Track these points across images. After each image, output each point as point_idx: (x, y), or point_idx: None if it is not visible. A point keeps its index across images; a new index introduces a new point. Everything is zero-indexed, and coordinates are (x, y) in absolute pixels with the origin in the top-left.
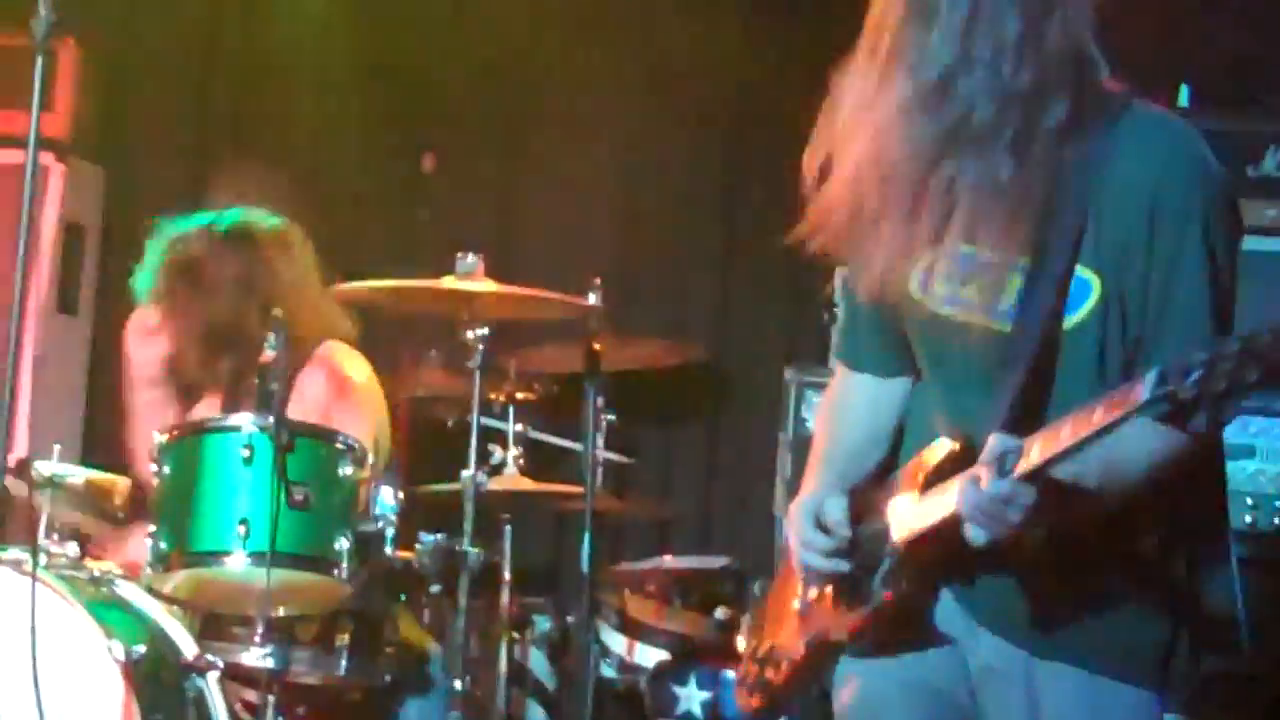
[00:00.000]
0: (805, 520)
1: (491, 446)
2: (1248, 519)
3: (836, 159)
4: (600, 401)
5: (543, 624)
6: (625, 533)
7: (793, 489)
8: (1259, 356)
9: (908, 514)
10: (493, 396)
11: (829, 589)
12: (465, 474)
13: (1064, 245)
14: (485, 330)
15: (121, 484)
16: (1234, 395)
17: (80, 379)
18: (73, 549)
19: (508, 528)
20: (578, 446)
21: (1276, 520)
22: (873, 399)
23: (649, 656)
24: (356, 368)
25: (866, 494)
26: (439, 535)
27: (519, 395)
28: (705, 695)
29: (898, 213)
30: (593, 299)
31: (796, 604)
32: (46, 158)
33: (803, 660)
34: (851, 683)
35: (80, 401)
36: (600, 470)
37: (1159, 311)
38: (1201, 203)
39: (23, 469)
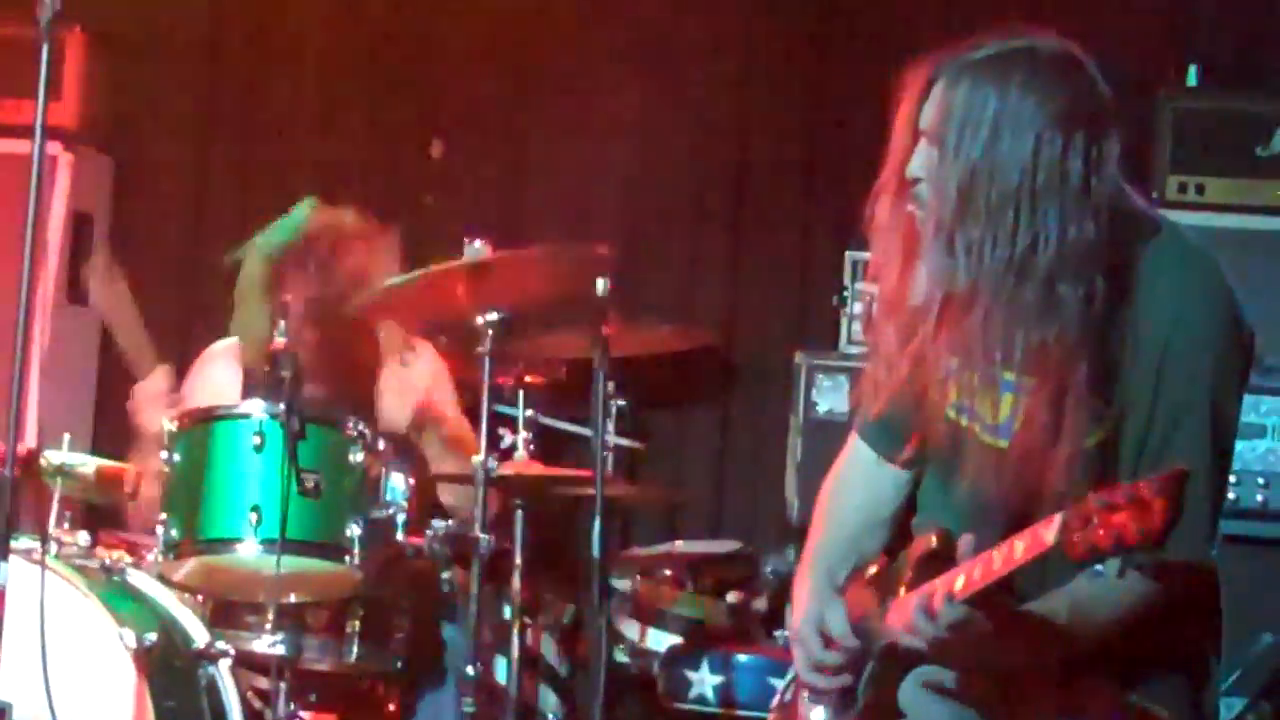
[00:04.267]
0: (815, 641)
1: (501, 431)
2: (1259, 498)
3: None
4: (610, 387)
5: (554, 609)
6: (636, 518)
7: (803, 473)
8: (1146, 508)
9: (889, 618)
10: (502, 382)
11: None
12: (475, 459)
13: (1074, 375)
14: (494, 315)
15: (131, 472)
16: (1133, 547)
17: (90, 369)
18: (84, 538)
19: (519, 513)
20: (588, 432)
21: None
22: (874, 485)
23: (661, 641)
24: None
25: (868, 583)
26: (450, 521)
27: (528, 380)
28: (718, 679)
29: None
30: (600, 284)
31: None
32: (54, 147)
33: None
34: None
35: (90, 391)
36: (611, 455)
37: (1153, 464)
38: (1212, 361)
39: (32, 459)
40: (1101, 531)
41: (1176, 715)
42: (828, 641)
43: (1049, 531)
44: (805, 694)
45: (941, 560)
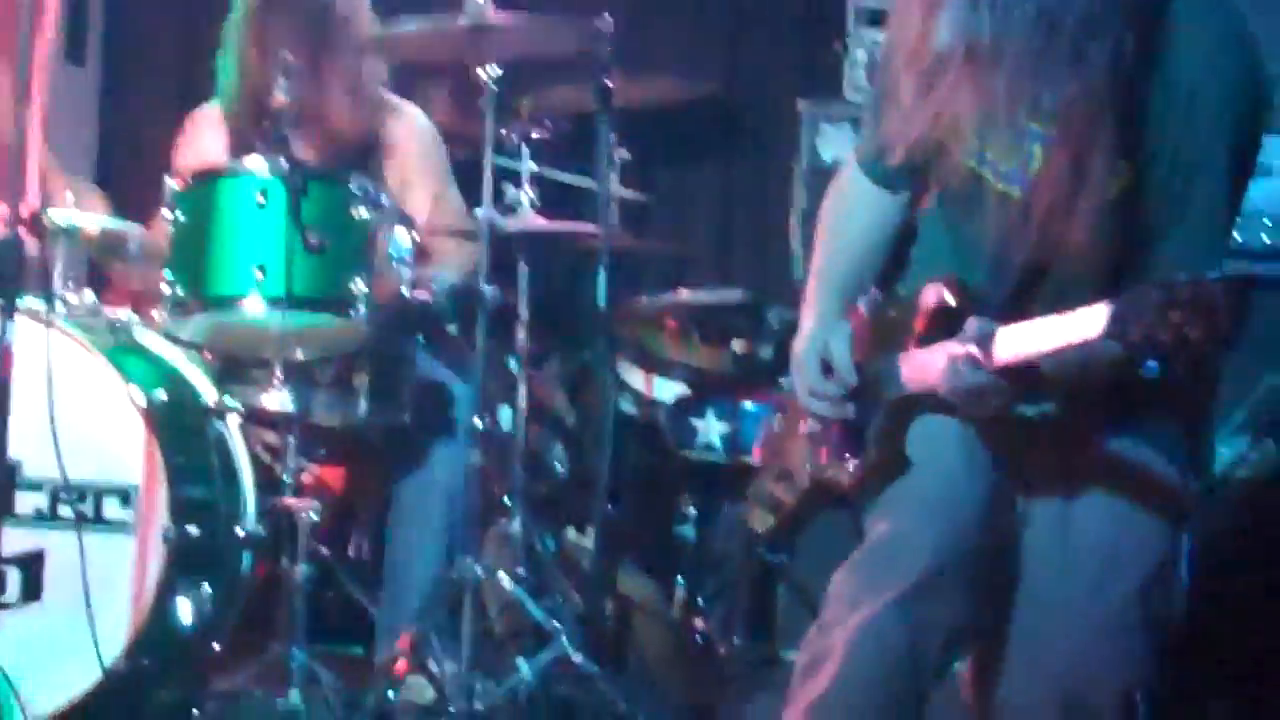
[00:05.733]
0: (812, 365)
1: (505, 185)
2: (1266, 239)
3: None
4: (614, 138)
5: (560, 361)
6: (642, 269)
7: (807, 222)
8: (1211, 310)
9: (901, 370)
10: (505, 135)
11: (834, 425)
12: (479, 213)
13: (1100, 127)
14: (497, 68)
15: (135, 230)
16: (1181, 349)
17: (91, 130)
18: (89, 296)
19: (523, 266)
20: (592, 184)
21: None
22: (878, 213)
23: (667, 391)
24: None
25: (870, 323)
26: (456, 275)
27: (532, 134)
28: (724, 427)
29: (968, 78)
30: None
31: (806, 431)
32: None
33: (807, 491)
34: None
35: (92, 152)
36: (615, 207)
37: (1172, 215)
38: (1236, 109)
39: (35, 219)
40: (1162, 331)
41: (1170, 458)
42: (827, 369)
43: (1098, 320)
44: (801, 426)
45: (955, 313)
